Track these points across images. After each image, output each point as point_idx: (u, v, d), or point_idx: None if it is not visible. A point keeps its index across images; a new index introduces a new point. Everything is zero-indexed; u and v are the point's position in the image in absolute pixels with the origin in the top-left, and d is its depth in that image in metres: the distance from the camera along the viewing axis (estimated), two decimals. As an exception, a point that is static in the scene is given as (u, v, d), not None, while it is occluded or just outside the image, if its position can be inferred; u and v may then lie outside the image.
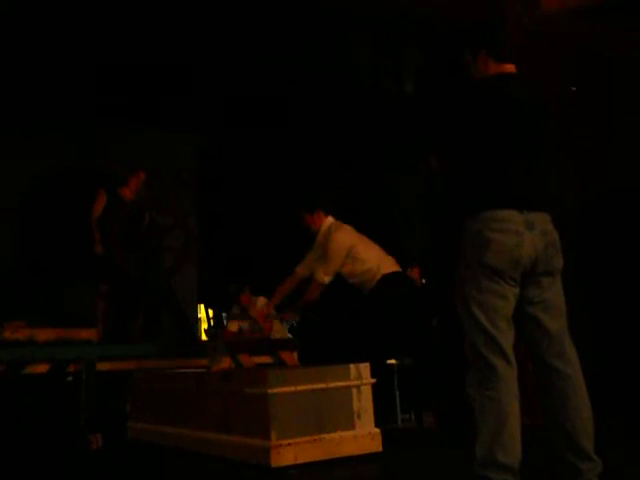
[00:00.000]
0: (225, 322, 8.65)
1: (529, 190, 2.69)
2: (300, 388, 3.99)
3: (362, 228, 5.32)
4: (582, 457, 2.62)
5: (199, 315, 10.03)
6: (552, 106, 2.88)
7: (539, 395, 2.75)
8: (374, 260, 5.02)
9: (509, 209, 2.62)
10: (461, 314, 2.70)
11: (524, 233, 2.60)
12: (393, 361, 5.81)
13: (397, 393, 5.71)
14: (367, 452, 4.04)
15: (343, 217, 5.33)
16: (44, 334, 5.09)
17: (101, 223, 6.25)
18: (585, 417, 2.66)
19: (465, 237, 2.69)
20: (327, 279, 5.01)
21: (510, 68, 2.82)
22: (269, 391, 3.89)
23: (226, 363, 5.47)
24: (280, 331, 7.13)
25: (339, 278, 5.05)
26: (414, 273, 6.42)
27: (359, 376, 4.18)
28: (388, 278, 4.98)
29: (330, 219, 5.24)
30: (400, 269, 5.14)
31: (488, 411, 2.55)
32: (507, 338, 2.62)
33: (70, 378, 5.39)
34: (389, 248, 5.30)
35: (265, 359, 6.28)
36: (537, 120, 2.77)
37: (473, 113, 2.73)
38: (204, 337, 10.26)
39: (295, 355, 6.46)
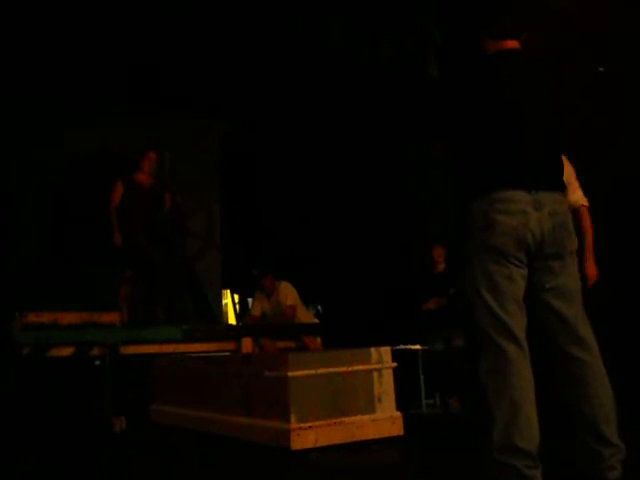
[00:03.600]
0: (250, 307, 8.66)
1: (538, 169, 2.59)
2: (320, 371, 3.98)
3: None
4: (604, 443, 2.55)
5: (224, 300, 10.06)
6: (558, 82, 2.77)
7: (556, 382, 2.68)
8: None
9: (517, 189, 2.53)
10: (471, 298, 2.63)
11: (531, 213, 2.52)
12: (418, 346, 5.77)
13: (422, 378, 5.67)
14: (388, 436, 4.03)
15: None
16: (68, 318, 5.14)
17: (120, 212, 6.25)
18: (606, 403, 2.59)
19: (471, 219, 2.62)
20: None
21: (511, 44, 2.72)
22: (289, 374, 3.89)
23: (247, 347, 5.48)
24: (305, 316, 7.10)
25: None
26: (436, 253, 6.25)
27: (380, 359, 4.16)
28: None
29: None
30: None
31: (501, 397, 2.47)
32: (517, 321, 2.53)
33: (98, 362, 5.44)
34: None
35: (288, 344, 6.28)
36: (538, 97, 2.66)
37: (471, 95, 2.66)
38: (231, 321, 10.32)
39: (319, 340, 6.45)
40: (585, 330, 2.64)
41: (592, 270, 3.89)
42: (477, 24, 2.78)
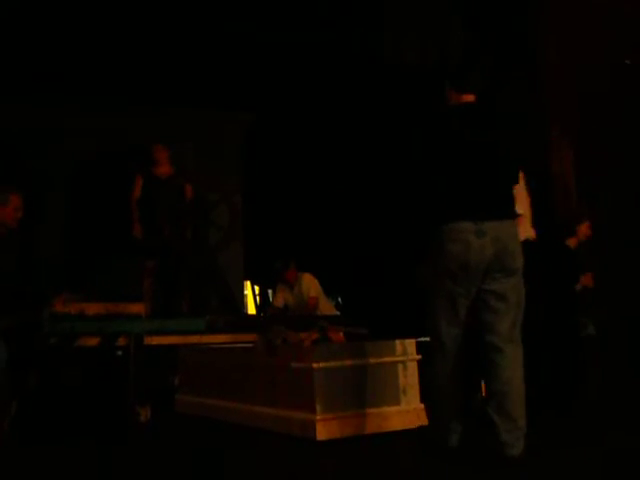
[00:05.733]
0: (270, 298, 8.68)
1: (482, 203, 3.15)
2: (345, 363, 4.00)
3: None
4: (506, 418, 3.09)
5: (245, 292, 10.11)
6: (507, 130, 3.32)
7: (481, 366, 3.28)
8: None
9: (464, 221, 3.12)
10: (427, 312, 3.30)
11: (472, 241, 3.10)
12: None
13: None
14: (412, 427, 4.04)
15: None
16: (93, 308, 5.18)
17: (142, 204, 6.35)
18: (516, 386, 3.14)
19: (431, 247, 3.24)
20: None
21: (468, 98, 3.31)
22: (314, 365, 3.91)
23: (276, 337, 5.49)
24: (328, 308, 7.11)
25: None
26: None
27: (405, 352, 4.18)
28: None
29: None
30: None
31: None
32: (448, 330, 3.24)
33: (120, 352, 5.49)
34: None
35: (312, 335, 6.28)
36: (487, 145, 3.20)
37: (428, 141, 3.28)
38: (251, 312, 10.38)
39: (341, 332, 6.45)
40: (509, 327, 3.17)
41: None
42: (444, 77, 3.36)
